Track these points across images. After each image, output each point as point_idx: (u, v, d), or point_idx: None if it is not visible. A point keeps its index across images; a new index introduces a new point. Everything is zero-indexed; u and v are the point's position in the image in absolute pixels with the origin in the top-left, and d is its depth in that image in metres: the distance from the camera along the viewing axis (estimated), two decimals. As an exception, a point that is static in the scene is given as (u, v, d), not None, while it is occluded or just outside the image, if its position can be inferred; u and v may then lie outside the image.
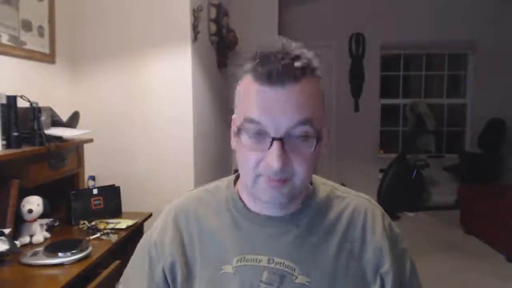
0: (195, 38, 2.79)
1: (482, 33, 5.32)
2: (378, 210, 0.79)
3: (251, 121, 0.66)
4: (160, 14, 2.67)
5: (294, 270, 0.70)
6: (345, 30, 5.40)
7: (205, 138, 3.15)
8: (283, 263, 0.70)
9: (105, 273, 1.64)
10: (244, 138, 0.68)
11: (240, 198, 0.77)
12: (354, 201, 0.78)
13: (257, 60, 0.66)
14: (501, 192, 4.21)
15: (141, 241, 0.82)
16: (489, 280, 3.30)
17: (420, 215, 4.97)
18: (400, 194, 4.62)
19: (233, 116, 0.74)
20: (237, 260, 0.70)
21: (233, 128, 0.74)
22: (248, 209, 0.76)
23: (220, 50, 3.63)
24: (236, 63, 0.73)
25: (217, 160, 3.62)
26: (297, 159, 0.66)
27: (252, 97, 0.67)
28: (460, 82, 5.80)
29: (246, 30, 4.05)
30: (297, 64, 0.65)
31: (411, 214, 4.92)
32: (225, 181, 0.83)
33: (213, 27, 3.37)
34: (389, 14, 5.30)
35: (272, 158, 0.64)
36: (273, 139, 0.64)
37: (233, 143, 0.74)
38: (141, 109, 2.73)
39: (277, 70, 0.64)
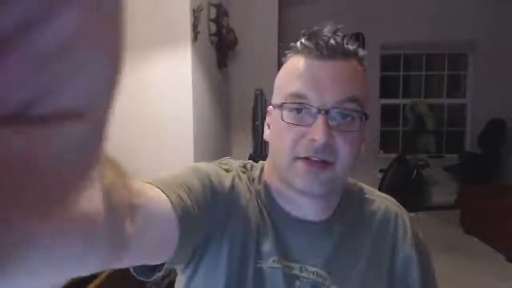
0: (195, 38, 2.79)
1: (482, 33, 5.31)
2: (406, 215, 0.77)
3: (295, 95, 0.62)
4: (160, 14, 2.67)
5: (326, 279, 0.67)
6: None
7: (205, 137, 3.15)
8: (316, 272, 0.67)
9: (104, 273, 1.64)
10: (285, 114, 0.63)
11: (271, 195, 0.71)
12: (383, 205, 0.76)
13: (307, 35, 0.64)
14: (501, 192, 4.22)
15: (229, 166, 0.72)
16: (489, 280, 3.30)
17: (420, 215, 4.97)
18: (400, 194, 4.60)
19: (269, 108, 0.71)
20: (273, 261, 0.66)
21: (267, 120, 0.71)
22: (281, 209, 0.70)
23: (220, 50, 3.63)
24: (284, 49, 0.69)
25: (217, 159, 3.62)
26: (341, 140, 0.61)
27: (297, 72, 0.63)
28: (460, 82, 5.80)
29: (246, 30, 4.05)
30: (347, 45, 0.63)
31: (411, 214, 4.88)
32: (258, 170, 0.75)
33: (213, 27, 3.37)
34: (388, 14, 5.29)
35: (317, 131, 0.59)
36: (319, 110, 0.60)
37: (266, 134, 0.71)
38: (141, 109, 2.73)
39: (327, 43, 0.62)
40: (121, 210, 0.33)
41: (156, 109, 2.72)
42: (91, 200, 0.16)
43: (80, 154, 0.16)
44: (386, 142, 5.71)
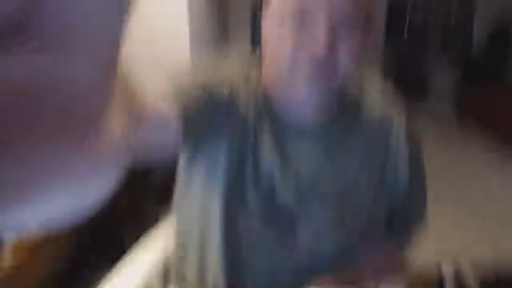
0: None
1: None
2: (402, 118, 0.76)
3: (299, 7, 0.58)
4: None
5: (320, 178, 0.70)
6: None
7: (200, 18, 3.03)
8: (310, 171, 0.69)
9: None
10: (286, 23, 0.59)
11: (269, 98, 0.69)
12: (380, 110, 0.75)
13: None
14: (503, 91, 4.21)
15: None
16: (483, 168, 3.50)
17: (418, 106, 4.99)
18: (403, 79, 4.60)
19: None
20: (270, 163, 0.69)
21: (265, 14, 0.65)
22: (279, 112, 0.69)
23: None
24: None
25: (214, 42, 3.53)
26: (343, 51, 0.59)
27: None
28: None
29: None
30: None
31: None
32: (255, 72, 0.72)
33: None
34: None
35: (319, 42, 0.57)
36: (322, 21, 0.57)
37: (265, 31, 0.65)
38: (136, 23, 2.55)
39: None
40: (128, 124, 0.33)
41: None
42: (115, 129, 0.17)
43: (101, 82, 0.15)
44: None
